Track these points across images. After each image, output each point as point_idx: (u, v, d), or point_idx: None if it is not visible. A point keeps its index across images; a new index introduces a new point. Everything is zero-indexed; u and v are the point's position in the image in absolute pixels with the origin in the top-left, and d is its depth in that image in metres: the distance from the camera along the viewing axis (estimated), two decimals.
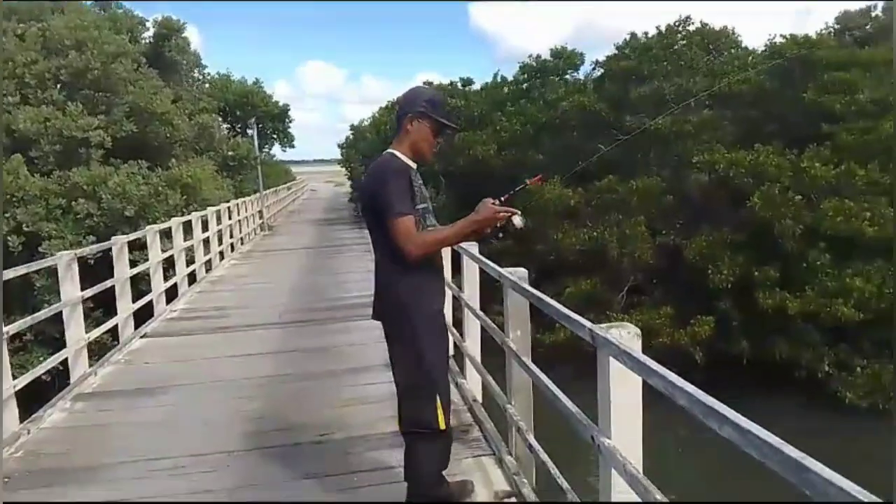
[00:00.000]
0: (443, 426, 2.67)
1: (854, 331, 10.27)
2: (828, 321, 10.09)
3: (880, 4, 16.24)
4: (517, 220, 2.56)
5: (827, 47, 13.45)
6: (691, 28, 15.82)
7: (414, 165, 2.64)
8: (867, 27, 16.08)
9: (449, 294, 4.44)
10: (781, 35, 14.60)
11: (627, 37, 16.45)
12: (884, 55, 12.61)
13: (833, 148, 11.64)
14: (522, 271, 3.13)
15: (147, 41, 19.84)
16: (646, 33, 16.22)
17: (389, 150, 2.65)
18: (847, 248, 10.39)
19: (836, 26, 16.79)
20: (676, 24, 15.94)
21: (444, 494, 2.87)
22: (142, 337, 6.84)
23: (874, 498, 0.96)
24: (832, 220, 10.27)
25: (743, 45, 16.22)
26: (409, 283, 2.59)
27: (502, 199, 2.58)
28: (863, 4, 17.65)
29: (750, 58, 14.71)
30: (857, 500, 0.97)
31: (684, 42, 15.38)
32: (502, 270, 3.26)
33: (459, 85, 20.09)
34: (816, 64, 12.99)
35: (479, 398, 4.41)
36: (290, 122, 35.20)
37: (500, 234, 2.66)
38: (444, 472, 2.84)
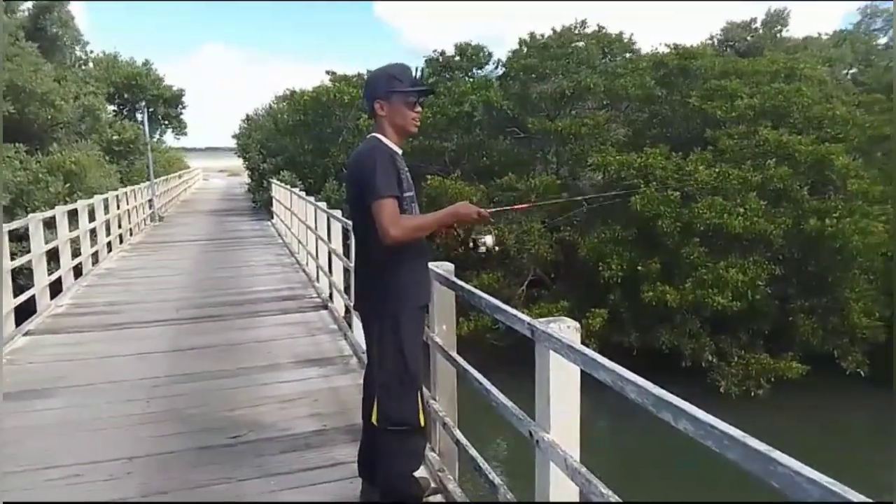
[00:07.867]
0: (422, 423, 2.65)
1: (734, 321, 11.03)
2: (707, 312, 10.78)
3: (760, 18, 17.61)
4: (489, 239, 2.68)
5: (703, 57, 14.35)
6: (588, 31, 16.44)
7: (399, 151, 2.59)
8: (748, 39, 17.32)
9: None
10: (665, 44, 15.49)
11: (527, 37, 16.82)
12: (765, 65, 13.65)
13: (715, 151, 12.47)
14: (449, 265, 3.11)
15: (25, 12, 18.17)
16: (542, 34, 16.66)
17: (373, 135, 2.58)
18: (725, 243, 11.11)
19: (719, 37, 17.98)
20: (573, 26, 16.51)
21: (417, 494, 2.81)
22: (24, 335, 6.28)
23: (844, 488, 0.98)
24: (705, 216, 10.98)
25: (638, 49, 17.02)
26: (404, 276, 2.54)
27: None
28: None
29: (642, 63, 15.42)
30: (828, 490, 0.99)
31: (581, 43, 15.94)
32: (430, 264, 3.23)
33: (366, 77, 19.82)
34: (696, 73, 13.88)
35: None
36: (184, 108, 33.34)
37: (470, 248, 2.71)
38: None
